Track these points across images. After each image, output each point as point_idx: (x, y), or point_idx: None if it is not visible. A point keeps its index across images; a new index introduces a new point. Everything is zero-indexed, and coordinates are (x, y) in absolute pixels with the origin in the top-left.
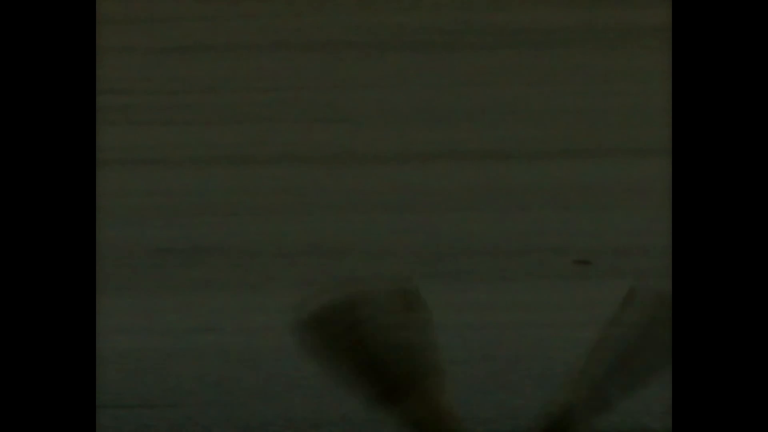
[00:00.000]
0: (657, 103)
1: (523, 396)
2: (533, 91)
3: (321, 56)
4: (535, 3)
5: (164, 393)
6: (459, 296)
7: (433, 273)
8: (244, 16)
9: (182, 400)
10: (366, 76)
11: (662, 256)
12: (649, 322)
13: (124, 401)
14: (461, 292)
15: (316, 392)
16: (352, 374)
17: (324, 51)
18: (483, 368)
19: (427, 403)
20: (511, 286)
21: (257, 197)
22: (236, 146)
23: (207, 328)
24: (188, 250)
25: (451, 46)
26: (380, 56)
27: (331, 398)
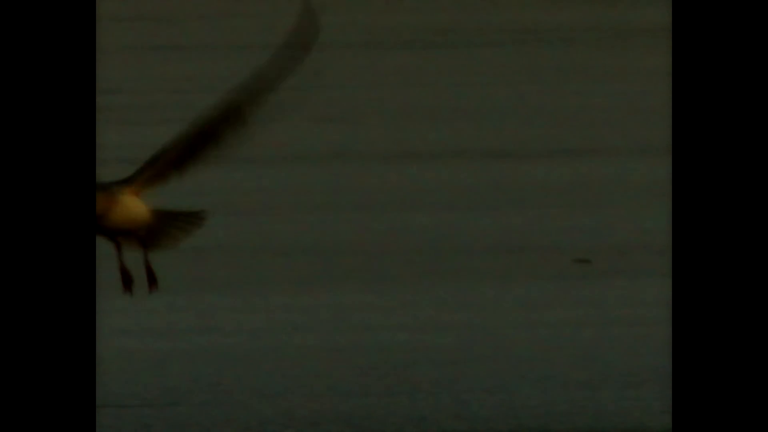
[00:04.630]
0: (657, 103)
1: (523, 396)
2: (533, 90)
3: (321, 56)
4: (535, 3)
5: (164, 393)
6: (459, 296)
7: (433, 273)
8: (244, 16)
9: (182, 400)
10: (366, 76)
11: (662, 256)
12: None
13: (124, 401)
14: (461, 292)
15: (316, 392)
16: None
17: (324, 51)
18: (483, 368)
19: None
20: (511, 285)
21: (257, 197)
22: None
23: (207, 328)
24: (189, 250)
25: (451, 46)
26: (380, 56)
27: (331, 398)
